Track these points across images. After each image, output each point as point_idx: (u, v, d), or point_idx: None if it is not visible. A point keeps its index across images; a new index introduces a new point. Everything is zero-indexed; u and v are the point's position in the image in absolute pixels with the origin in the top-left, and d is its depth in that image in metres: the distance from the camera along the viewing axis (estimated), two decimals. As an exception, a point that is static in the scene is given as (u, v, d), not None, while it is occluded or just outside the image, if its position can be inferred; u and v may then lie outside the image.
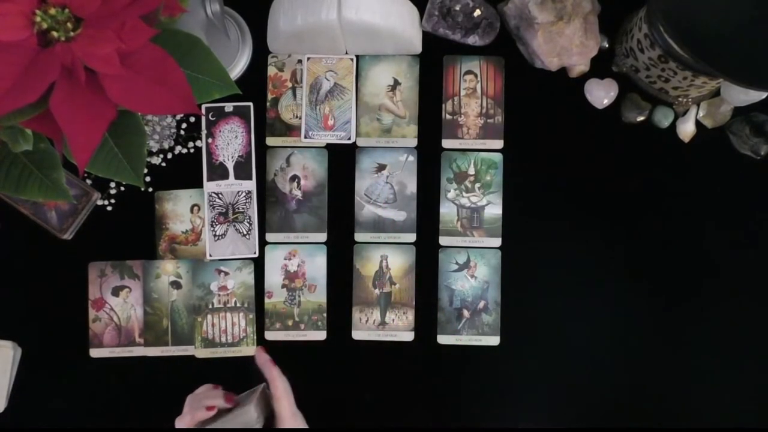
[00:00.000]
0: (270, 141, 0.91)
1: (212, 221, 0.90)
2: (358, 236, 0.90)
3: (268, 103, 0.91)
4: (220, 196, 0.90)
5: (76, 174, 0.87)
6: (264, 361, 0.76)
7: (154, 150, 0.89)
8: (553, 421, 0.89)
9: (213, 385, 0.77)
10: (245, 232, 0.90)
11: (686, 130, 0.89)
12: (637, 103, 0.90)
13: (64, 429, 0.89)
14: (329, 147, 0.91)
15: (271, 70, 0.92)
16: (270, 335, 0.90)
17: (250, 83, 0.91)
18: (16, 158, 0.60)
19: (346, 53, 0.91)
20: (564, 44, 0.85)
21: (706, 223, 0.90)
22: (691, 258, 0.90)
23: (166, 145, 0.89)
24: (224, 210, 0.90)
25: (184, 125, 0.90)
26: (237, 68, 0.90)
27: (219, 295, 0.90)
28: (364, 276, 0.90)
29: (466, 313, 0.90)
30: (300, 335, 0.90)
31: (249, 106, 0.91)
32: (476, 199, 0.90)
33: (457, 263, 0.90)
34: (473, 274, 0.90)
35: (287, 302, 0.90)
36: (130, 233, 0.90)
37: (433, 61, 0.91)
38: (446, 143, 0.91)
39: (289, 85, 0.92)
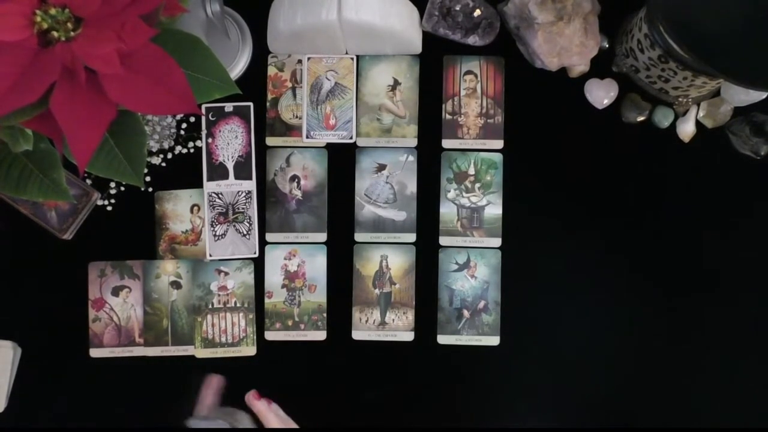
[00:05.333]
0: (270, 141, 0.91)
1: (212, 221, 0.90)
2: (358, 236, 0.90)
3: (268, 103, 0.91)
4: (220, 196, 0.90)
5: (76, 174, 0.87)
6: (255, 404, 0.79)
7: (154, 150, 0.89)
8: (553, 421, 0.89)
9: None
10: (245, 232, 0.90)
11: (686, 130, 0.90)
12: (637, 103, 0.90)
13: (64, 429, 0.89)
14: (329, 147, 0.91)
15: (271, 70, 0.92)
16: (270, 335, 0.90)
17: (250, 83, 0.91)
18: (16, 158, 0.60)
19: (346, 53, 0.91)
20: (564, 44, 0.85)
21: (706, 223, 0.90)
22: (691, 258, 0.90)
23: (166, 145, 0.89)
24: (224, 210, 0.90)
25: (184, 125, 0.90)
26: (237, 68, 0.90)
27: (219, 295, 0.90)
28: (364, 276, 0.90)
29: (466, 313, 0.90)
30: (300, 335, 0.90)
31: (249, 106, 0.91)
32: (476, 199, 0.90)
33: (457, 263, 0.90)
34: (473, 274, 0.90)
35: (287, 302, 0.90)
36: (130, 233, 0.90)
37: (433, 61, 0.91)
38: (446, 143, 0.91)
39: (289, 85, 0.92)
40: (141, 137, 0.59)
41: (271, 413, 0.77)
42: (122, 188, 0.89)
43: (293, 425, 0.78)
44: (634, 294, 0.89)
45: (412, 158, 0.91)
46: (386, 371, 0.90)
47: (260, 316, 0.90)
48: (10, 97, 0.48)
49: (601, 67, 0.90)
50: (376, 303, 0.90)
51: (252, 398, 0.79)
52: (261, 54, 0.91)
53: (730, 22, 0.74)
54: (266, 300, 0.90)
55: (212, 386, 0.82)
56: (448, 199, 0.91)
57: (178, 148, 0.89)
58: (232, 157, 0.90)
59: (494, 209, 0.90)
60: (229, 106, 0.90)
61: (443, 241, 0.90)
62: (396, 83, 0.91)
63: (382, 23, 0.84)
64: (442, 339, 0.90)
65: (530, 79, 0.90)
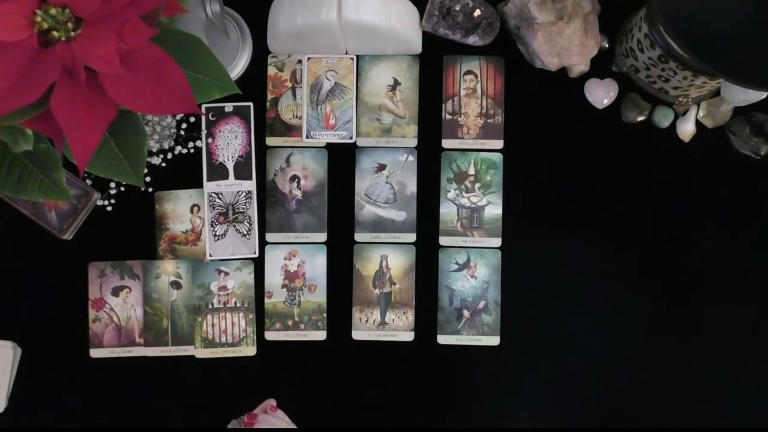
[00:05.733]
0: (270, 141, 0.91)
1: (212, 221, 0.90)
2: (358, 236, 0.90)
3: (268, 103, 0.91)
4: (220, 196, 0.90)
5: (76, 174, 0.87)
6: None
7: (154, 150, 0.89)
8: (553, 421, 0.89)
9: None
10: (245, 232, 0.90)
11: (686, 130, 0.89)
12: (637, 103, 0.90)
13: (64, 429, 0.89)
14: (329, 147, 0.91)
15: (271, 70, 0.92)
16: (270, 335, 0.90)
17: (250, 83, 0.91)
18: (16, 158, 0.60)
19: (346, 53, 0.91)
20: (564, 44, 0.85)
21: (706, 222, 0.90)
22: (691, 258, 0.90)
23: (166, 145, 0.89)
24: (224, 210, 0.90)
25: (184, 125, 0.90)
26: (237, 68, 0.90)
27: (219, 295, 0.90)
28: (364, 276, 0.90)
29: (466, 313, 0.90)
30: (300, 335, 0.90)
31: (249, 106, 0.91)
32: (476, 199, 0.90)
33: (457, 263, 0.90)
34: (473, 274, 0.90)
35: (287, 302, 0.90)
36: (130, 233, 0.90)
37: (433, 61, 0.91)
38: (446, 143, 0.91)
39: (289, 85, 0.92)
40: (141, 137, 0.59)
41: (276, 419, 0.76)
42: (122, 188, 0.89)
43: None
44: (634, 294, 0.89)
45: (412, 158, 0.91)
46: (386, 371, 0.90)
47: (260, 316, 0.90)
48: (10, 97, 0.48)
49: (601, 67, 0.90)
50: (376, 303, 0.90)
51: (248, 422, 0.73)
52: (261, 54, 0.91)
53: (730, 21, 0.74)
54: (266, 300, 0.90)
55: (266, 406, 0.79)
56: (448, 199, 0.91)
57: (178, 148, 0.89)
58: (232, 157, 0.90)
59: (494, 209, 0.90)
60: (229, 106, 0.90)
61: (443, 241, 0.90)
62: (396, 83, 0.91)
63: (382, 23, 0.84)
64: (442, 339, 0.90)
65: (530, 79, 0.90)
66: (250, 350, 0.90)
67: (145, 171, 0.89)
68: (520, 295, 0.89)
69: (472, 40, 0.89)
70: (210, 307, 0.90)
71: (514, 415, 0.89)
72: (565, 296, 0.89)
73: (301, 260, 0.90)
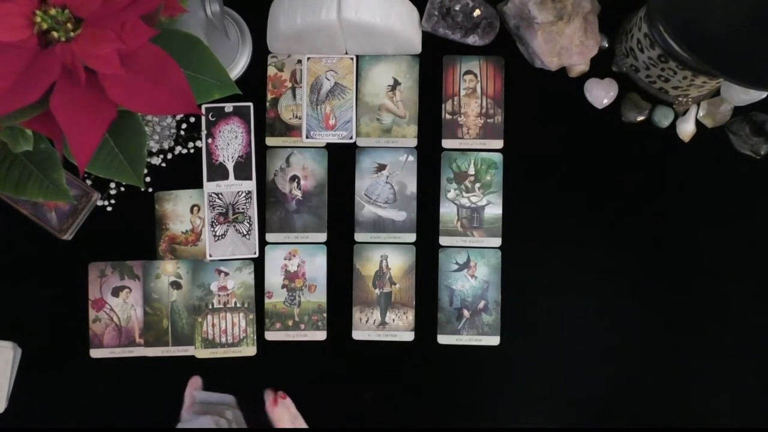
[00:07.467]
0: (270, 141, 0.91)
1: (212, 221, 0.90)
2: (358, 236, 0.90)
3: (267, 103, 0.91)
4: (220, 196, 0.90)
5: (76, 174, 0.87)
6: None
7: (154, 150, 0.89)
8: (553, 421, 0.89)
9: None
10: (245, 233, 0.90)
11: (686, 129, 0.90)
12: (637, 103, 0.90)
13: (64, 429, 0.89)
14: (329, 147, 0.91)
15: (271, 70, 0.92)
16: (270, 335, 0.90)
17: (250, 83, 0.91)
18: (16, 158, 0.60)
19: (346, 53, 0.91)
20: (564, 44, 0.85)
21: (706, 222, 0.90)
22: (691, 258, 0.90)
23: (166, 145, 0.89)
24: (224, 210, 0.90)
25: (184, 125, 0.90)
26: (237, 68, 0.90)
27: (219, 295, 0.90)
28: (364, 276, 0.90)
29: (466, 313, 0.90)
30: (300, 335, 0.90)
31: (249, 106, 0.91)
32: (476, 199, 0.90)
33: (457, 263, 0.90)
34: (473, 274, 0.90)
35: (287, 302, 0.90)
36: (130, 233, 0.90)
37: (433, 61, 0.91)
38: (446, 143, 0.91)
39: (289, 85, 0.92)
40: (141, 137, 0.59)
41: (283, 409, 0.82)
42: (122, 188, 0.89)
43: (302, 423, 0.80)
44: (634, 294, 0.90)
45: (412, 158, 0.91)
46: (386, 371, 0.90)
47: (260, 316, 0.90)
48: (10, 97, 0.48)
49: (600, 66, 0.90)
50: (376, 303, 0.90)
51: (271, 406, 0.83)
52: (261, 54, 0.91)
53: (730, 21, 0.74)
54: (266, 300, 0.90)
55: (191, 387, 0.83)
56: (448, 199, 0.91)
57: (178, 149, 0.89)
58: (232, 158, 0.90)
59: (494, 209, 0.90)
60: (229, 107, 0.91)
61: (443, 241, 0.90)
62: (396, 83, 0.91)
63: (382, 23, 0.84)
64: (442, 339, 0.90)
65: (530, 79, 0.90)
66: (250, 350, 0.90)
67: (145, 171, 0.89)
68: (520, 295, 0.89)
69: (472, 40, 0.89)
70: (210, 307, 0.90)
71: (514, 415, 0.89)
72: (565, 296, 0.89)
73: (301, 260, 0.90)
